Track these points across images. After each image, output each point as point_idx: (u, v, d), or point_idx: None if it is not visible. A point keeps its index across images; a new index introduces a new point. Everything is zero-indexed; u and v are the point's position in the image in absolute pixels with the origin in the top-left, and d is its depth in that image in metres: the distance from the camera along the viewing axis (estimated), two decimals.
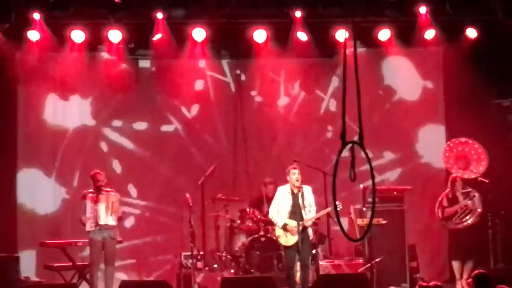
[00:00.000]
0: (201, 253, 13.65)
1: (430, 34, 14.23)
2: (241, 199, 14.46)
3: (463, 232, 13.22)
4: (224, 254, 13.65)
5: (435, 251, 14.73)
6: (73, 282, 12.65)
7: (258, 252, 13.16)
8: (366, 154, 6.53)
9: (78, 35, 13.96)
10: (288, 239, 11.75)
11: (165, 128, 15.12)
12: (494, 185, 13.62)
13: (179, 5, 13.46)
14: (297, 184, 11.82)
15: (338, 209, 7.12)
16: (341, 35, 13.84)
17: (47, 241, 13.45)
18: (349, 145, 6.50)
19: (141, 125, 15.03)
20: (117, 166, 14.86)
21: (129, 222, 14.55)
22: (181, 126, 15.11)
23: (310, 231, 11.93)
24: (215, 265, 13.52)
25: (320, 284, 11.64)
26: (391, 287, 13.36)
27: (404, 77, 15.24)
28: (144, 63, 14.99)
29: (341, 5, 12.89)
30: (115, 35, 13.98)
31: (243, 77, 15.21)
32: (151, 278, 14.46)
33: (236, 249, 13.59)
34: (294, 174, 11.83)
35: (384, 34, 14.37)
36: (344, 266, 13.29)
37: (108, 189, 12.68)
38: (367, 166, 6.52)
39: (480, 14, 13.92)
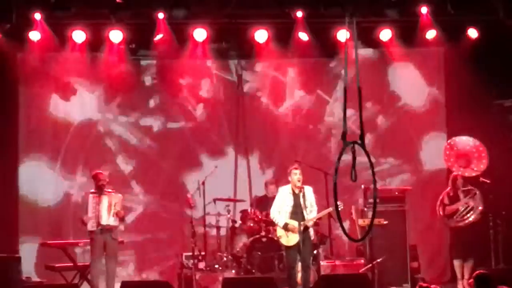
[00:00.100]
0: (203, 253, 13.65)
1: (431, 34, 14.22)
2: (242, 199, 14.49)
3: (463, 230, 13.22)
4: (225, 255, 13.64)
5: (436, 251, 14.73)
6: (74, 283, 12.64)
7: (259, 253, 13.16)
8: (367, 154, 6.53)
9: (79, 35, 13.96)
10: (289, 239, 11.73)
11: (170, 125, 15.11)
12: (495, 185, 13.62)
13: (180, 5, 13.46)
14: (299, 184, 11.80)
15: (339, 209, 7.10)
16: (342, 35, 13.84)
17: (48, 242, 13.46)
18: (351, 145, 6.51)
19: (145, 122, 15.06)
20: (120, 162, 14.91)
21: (131, 217, 14.51)
22: (179, 125, 15.11)
23: (311, 232, 11.92)
24: (216, 266, 13.50)
25: (321, 284, 11.62)
26: None
27: (409, 83, 15.22)
28: (145, 63, 14.97)
29: (342, 5, 12.88)
30: (116, 35, 13.98)
31: (244, 77, 15.20)
32: (152, 274, 14.56)
33: (238, 249, 13.59)
34: (296, 175, 11.82)
35: (385, 34, 14.37)
36: (345, 267, 13.27)
37: (110, 189, 12.66)
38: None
39: (482, 14, 13.92)
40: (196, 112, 15.12)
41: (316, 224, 12.41)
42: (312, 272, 12.40)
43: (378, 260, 13.00)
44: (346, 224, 13.17)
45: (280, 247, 12.51)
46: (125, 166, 14.92)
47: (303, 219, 11.68)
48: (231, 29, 14.30)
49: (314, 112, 15.25)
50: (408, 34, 14.37)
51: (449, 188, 13.46)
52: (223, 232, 14.01)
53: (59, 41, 14.04)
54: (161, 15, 13.65)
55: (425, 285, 8.70)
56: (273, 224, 12.42)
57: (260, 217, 13.45)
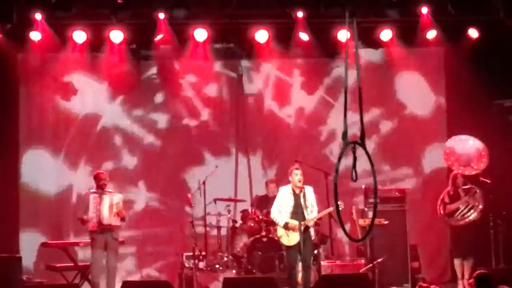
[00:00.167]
0: (203, 253, 13.66)
1: (431, 34, 14.23)
2: (243, 199, 14.50)
3: (464, 229, 13.21)
4: (226, 255, 13.65)
5: (436, 251, 14.73)
6: (75, 283, 12.64)
7: (259, 253, 13.17)
8: (367, 154, 6.53)
9: (79, 36, 13.97)
10: (290, 239, 11.73)
11: (174, 123, 15.15)
12: (496, 185, 13.62)
13: (180, 5, 13.46)
14: (299, 184, 11.80)
15: (340, 209, 7.10)
16: (343, 35, 13.84)
17: (49, 242, 13.48)
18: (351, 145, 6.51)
19: (151, 117, 15.09)
20: (124, 156, 14.97)
21: (132, 212, 14.53)
22: (183, 123, 15.13)
23: (312, 231, 11.92)
24: (217, 266, 13.52)
25: (321, 284, 11.62)
26: (393, 287, 13.36)
27: (416, 92, 15.22)
28: (146, 63, 14.98)
29: (342, 5, 12.88)
30: (117, 36, 13.99)
31: (244, 77, 15.20)
32: (152, 270, 14.62)
33: (238, 249, 13.60)
34: (297, 175, 11.81)
35: (385, 35, 14.37)
36: (346, 267, 13.27)
37: (111, 190, 12.66)
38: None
39: (482, 14, 13.91)
40: (200, 111, 15.12)
41: (316, 224, 12.41)
42: (313, 272, 12.40)
43: (379, 260, 13.00)
44: (347, 225, 13.17)
45: (280, 247, 12.51)
46: (129, 161, 14.95)
47: (303, 219, 11.68)
48: (231, 29, 14.31)
49: (318, 115, 15.23)
50: (409, 34, 14.37)
51: (449, 187, 13.47)
52: (223, 232, 14.03)
53: (59, 41, 14.06)
54: (161, 15, 13.65)
55: (424, 285, 8.72)
56: (273, 224, 12.43)
57: (260, 217, 13.45)
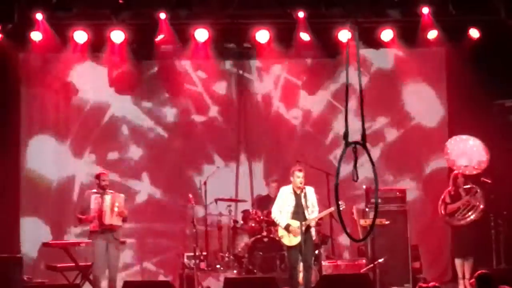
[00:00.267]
0: (204, 253, 13.67)
1: (432, 34, 14.22)
2: (244, 199, 14.51)
3: (465, 228, 13.22)
4: (227, 255, 13.66)
5: (438, 251, 14.73)
6: (76, 283, 12.63)
7: (260, 253, 13.18)
8: (369, 154, 6.53)
9: (80, 36, 13.97)
10: (291, 239, 11.74)
11: (182, 119, 15.19)
12: (497, 185, 13.63)
13: (182, 5, 13.46)
14: (300, 185, 11.80)
15: (341, 208, 7.10)
16: (344, 35, 13.85)
17: (50, 242, 13.46)
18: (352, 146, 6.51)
19: (159, 111, 15.13)
20: (130, 147, 15.01)
21: (134, 204, 14.61)
22: (189, 119, 15.17)
23: (313, 232, 11.92)
24: (218, 266, 13.53)
25: (322, 284, 11.62)
26: (394, 287, 13.36)
27: (423, 103, 15.22)
28: (147, 63, 14.98)
29: (344, 5, 12.90)
30: (117, 36, 13.99)
31: (245, 77, 15.21)
32: (151, 264, 14.69)
33: (239, 249, 13.61)
34: (299, 178, 11.79)
35: (386, 35, 14.37)
36: (347, 267, 13.27)
37: (112, 190, 12.65)
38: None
39: (483, 14, 13.91)
40: (208, 108, 15.16)
41: (317, 224, 12.42)
42: (314, 272, 12.40)
43: (380, 260, 13.00)
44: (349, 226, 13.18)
45: (281, 247, 12.52)
46: (134, 152, 14.99)
47: (304, 219, 11.68)
48: (232, 29, 14.31)
49: (324, 119, 15.23)
50: (410, 35, 14.36)
51: (450, 187, 13.48)
52: (224, 232, 14.02)
53: (60, 41, 14.06)
54: (162, 15, 13.65)
55: (424, 285, 8.71)
56: (274, 224, 12.43)
57: (261, 217, 13.46)
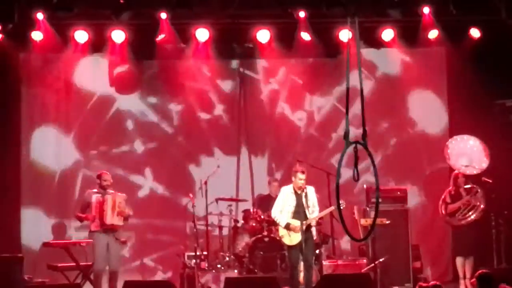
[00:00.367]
0: (205, 253, 13.67)
1: (433, 34, 14.22)
2: (245, 199, 14.51)
3: (465, 228, 13.23)
4: (227, 254, 13.66)
5: (438, 251, 14.73)
6: (77, 282, 12.63)
7: (261, 252, 13.18)
8: (369, 154, 6.53)
9: (81, 36, 13.97)
10: (292, 239, 11.75)
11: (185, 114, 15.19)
12: (498, 185, 13.62)
13: (182, 5, 13.47)
14: (301, 186, 11.80)
15: (341, 207, 7.11)
16: (345, 35, 13.85)
17: (51, 241, 13.47)
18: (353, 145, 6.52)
19: (166, 106, 15.16)
20: (135, 141, 15.02)
21: (136, 198, 14.64)
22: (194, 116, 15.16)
23: (313, 231, 11.93)
24: (219, 265, 13.52)
25: (323, 284, 11.61)
26: (395, 287, 13.35)
27: (428, 111, 15.21)
28: (148, 63, 14.99)
29: (344, 5, 12.88)
30: (118, 36, 13.99)
31: (245, 77, 15.21)
32: (151, 259, 14.72)
33: (240, 249, 13.61)
34: (301, 180, 11.78)
35: (387, 34, 14.37)
36: (348, 266, 13.28)
37: (112, 190, 12.65)
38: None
39: (484, 14, 13.91)
40: (214, 105, 15.18)
41: (318, 223, 12.42)
42: (315, 271, 12.39)
43: (381, 260, 13.01)
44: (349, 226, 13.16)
45: (282, 246, 12.52)
46: (139, 146, 15.01)
47: (305, 218, 11.69)
48: (233, 29, 14.31)
49: (328, 122, 15.20)
50: (410, 34, 14.37)
51: (451, 186, 13.48)
52: (225, 231, 14.04)
53: (61, 41, 14.06)
54: (163, 15, 13.65)
55: (425, 285, 8.71)
56: (275, 223, 12.43)
57: (262, 217, 13.46)
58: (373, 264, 12.99)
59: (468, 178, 13.49)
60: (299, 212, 11.75)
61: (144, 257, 14.78)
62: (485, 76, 14.14)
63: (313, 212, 11.83)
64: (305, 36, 14.11)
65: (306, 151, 14.93)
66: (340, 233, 13.58)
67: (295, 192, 11.83)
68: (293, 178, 11.88)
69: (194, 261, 13.35)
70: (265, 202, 13.71)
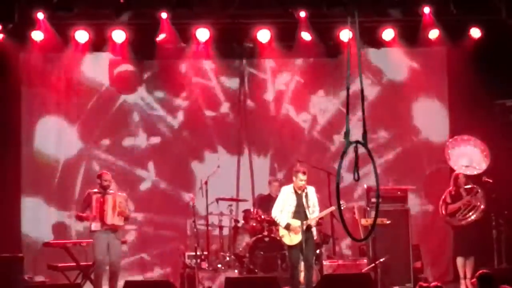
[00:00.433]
0: (205, 253, 13.67)
1: (434, 34, 14.21)
2: (245, 199, 14.51)
3: (466, 228, 13.22)
4: (228, 254, 13.66)
5: (439, 251, 14.72)
6: (77, 282, 12.64)
7: (262, 252, 13.17)
8: (369, 153, 6.53)
9: (82, 35, 13.97)
10: (292, 238, 11.75)
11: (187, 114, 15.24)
12: (498, 185, 13.62)
13: (183, 5, 13.46)
14: (302, 186, 11.79)
15: (342, 208, 7.11)
16: (345, 35, 13.85)
17: (51, 241, 13.48)
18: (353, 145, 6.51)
19: (172, 102, 15.20)
20: (140, 135, 15.07)
21: (138, 193, 14.68)
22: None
23: (314, 231, 11.93)
24: (219, 265, 13.52)
25: (323, 284, 11.61)
26: (395, 287, 13.35)
27: (432, 118, 15.21)
28: (148, 63, 14.98)
29: (345, 5, 12.88)
30: (119, 35, 13.99)
31: (246, 77, 15.21)
32: (150, 255, 14.76)
33: (240, 249, 13.61)
34: (302, 181, 11.77)
35: (388, 34, 14.36)
36: (348, 266, 13.28)
37: (112, 190, 12.64)
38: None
39: (484, 14, 13.90)
40: (219, 103, 15.20)
41: (318, 223, 12.42)
42: (315, 271, 12.40)
43: (381, 260, 12.99)
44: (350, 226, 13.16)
45: (282, 246, 12.52)
46: (143, 140, 15.03)
47: (305, 218, 11.68)
48: (233, 29, 14.31)
49: (332, 125, 15.19)
50: (411, 34, 14.36)
51: (451, 187, 13.48)
52: (225, 231, 14.04)
53: (61, 41, 14.06)
54: (164, 15, 13.65)
55: (425, 285, 8.71)
56: (275, 223, 12.42)
57: (262, 217, 13.46)
58: (373, 264, 12.98)
59: (469, 178, 13.49)
60: (300, 212, 11.74)
61: (143, 252, 14.81)
62: (485, 76, 14.14)
63: (314, 212, 11.82)
64: (306, 36, 14.10)
65: (309, 152, 14.93)
66: (341, 233, 13.59)
67: (296, 192, 11.83)
68: (294, 178, 11.87)
69: (194, 261, 13.35)
70: (266, 202, 13.71)
